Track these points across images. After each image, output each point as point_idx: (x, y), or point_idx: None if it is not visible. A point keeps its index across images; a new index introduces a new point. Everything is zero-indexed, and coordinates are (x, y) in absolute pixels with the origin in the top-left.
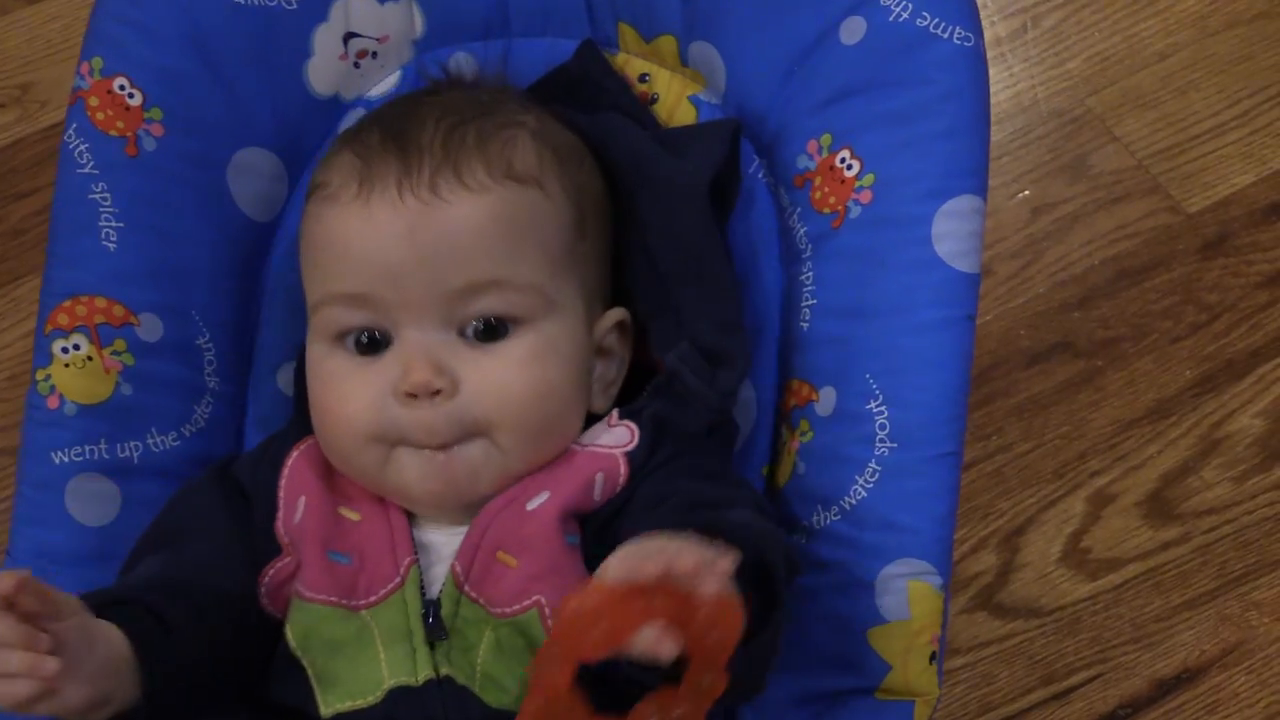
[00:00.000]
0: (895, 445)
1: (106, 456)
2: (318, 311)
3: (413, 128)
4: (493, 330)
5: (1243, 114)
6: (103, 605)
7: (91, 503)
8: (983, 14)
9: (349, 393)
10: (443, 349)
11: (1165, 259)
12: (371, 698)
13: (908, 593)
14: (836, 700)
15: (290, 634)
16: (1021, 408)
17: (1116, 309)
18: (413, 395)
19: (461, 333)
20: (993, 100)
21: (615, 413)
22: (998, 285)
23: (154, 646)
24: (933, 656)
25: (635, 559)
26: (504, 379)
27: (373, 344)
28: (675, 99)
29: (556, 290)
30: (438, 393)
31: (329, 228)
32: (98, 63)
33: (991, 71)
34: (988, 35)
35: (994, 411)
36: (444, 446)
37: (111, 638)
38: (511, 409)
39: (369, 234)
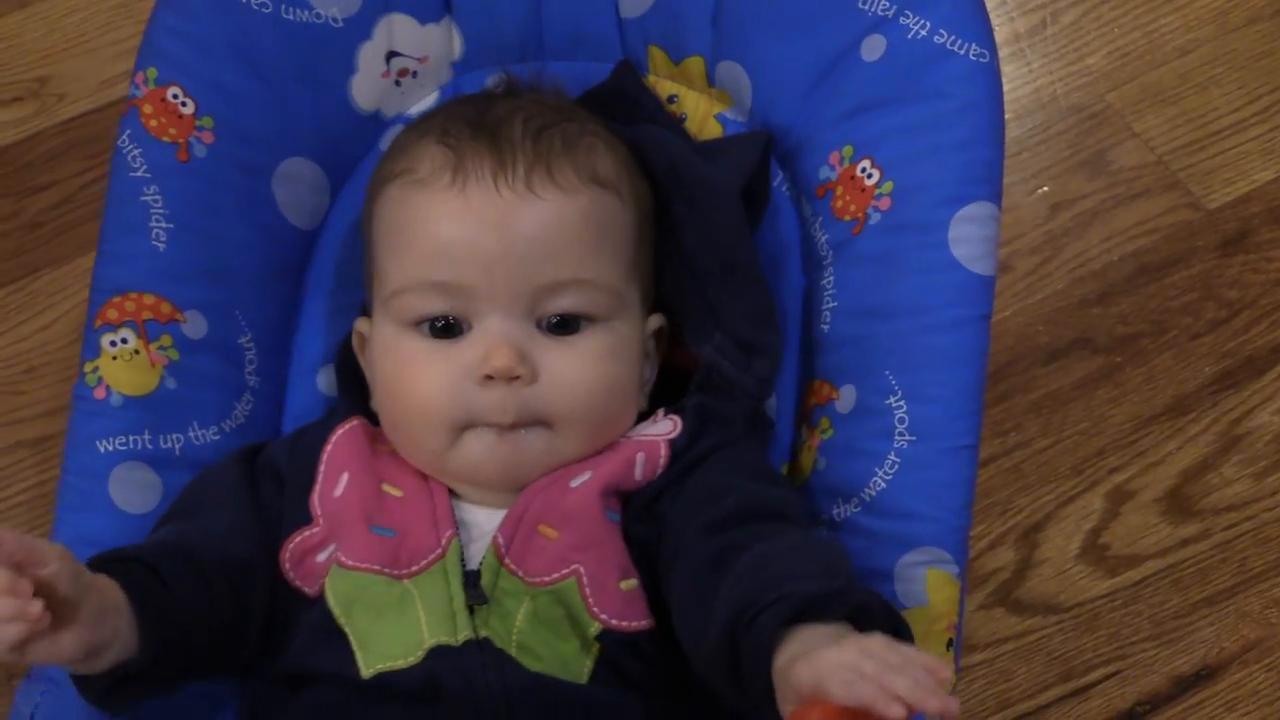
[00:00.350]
0: (914, 438)
1: (150, 447)
2: (399, 297)
3: (501, 125)
4: (568, 325)
5: (1263, 110)
6: (102, 561)
7: (134, 491)
8: (1002, 10)
9: (426, 374)
10: (524, 338)
11: (1185, 255)
12: (412, 658)
13: (926, 580)
14: None
15: (332, 599)
16: (1040, 404)
17: (1136, 305)
18: (490, 378)
19: (539, 324)
20: (1012, 96)
21: (661, 411)
22: (1016, 281)
23: (151, 600)
24: (950, 643)
25: (849, 674)
26: (579, 374)
27: (448, 329)
28: (703, 117)
29: (627, 292)
30: (516, 378)
31: (417, 212)
32: (152, 73)
33: (1010, 67)
34: (1007, 31)
35: (1012, 408)
36: (512, 428)
37: (105, 586)
38: (581, 404)
39: (463, 221)
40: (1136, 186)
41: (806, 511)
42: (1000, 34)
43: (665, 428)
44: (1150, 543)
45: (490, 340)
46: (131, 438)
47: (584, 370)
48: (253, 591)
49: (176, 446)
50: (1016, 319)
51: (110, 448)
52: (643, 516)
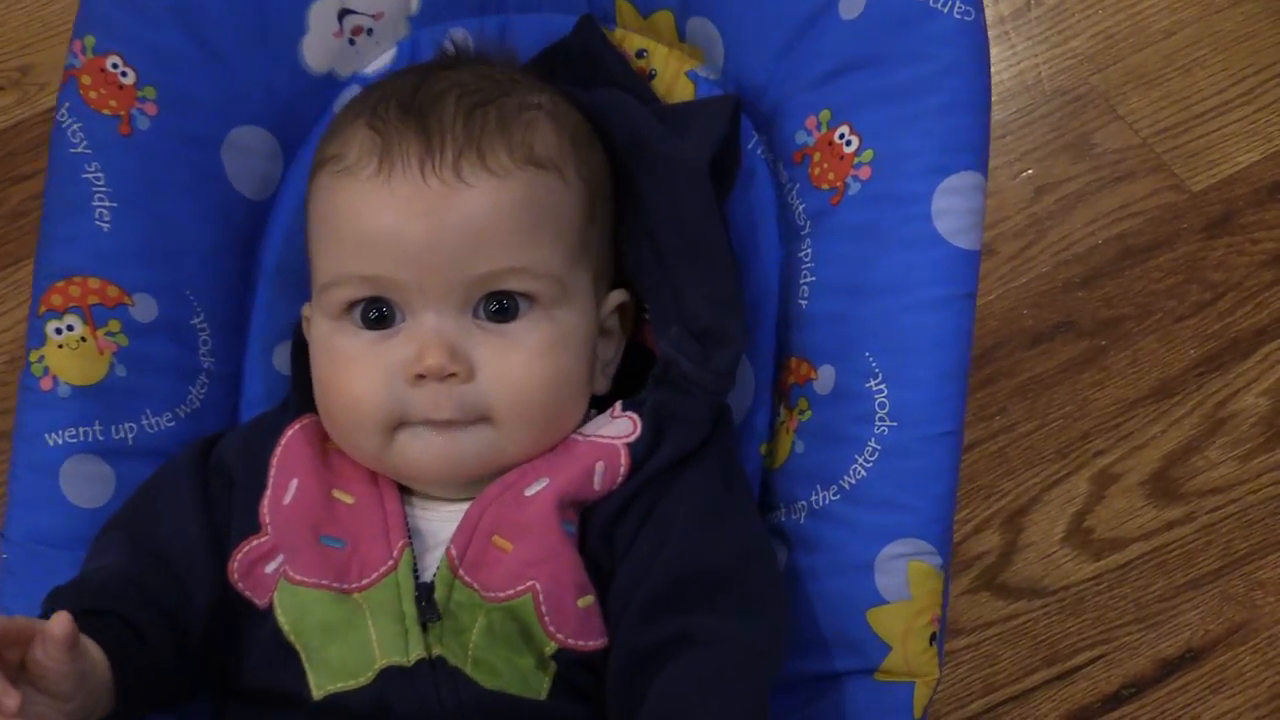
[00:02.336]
0: (895, 424)
1: (101, 438)
2: (328, 291)
3: (432, 104)
4: (505, 310)
5: (1248, 92)
6: (84, 615)
7: (86, 484)
8: None
9: (358, 373)
10: (458, 333)
11: (1169, 238)
12: (363, 678)
13: (908, 573)
14: (835, 682)
15: (281, 617)
16: (1025, 387)
17: (1120, 288)
18: (422, 377)
19: (475, 313)
20: (996, 79)
21: (618, 405)
22: (1001, 265)
23: (129, 658)
24: (933, 638)
25: None
26: (519, 369)
27: (381, 319)
28: (673, 75)
29: (571, 277)
30: (451, 376)
31: (345, 203)
32: (90, 41)
33: (994, 50)
34: (991, 14)
35: (997, 391)
36: (448, 425)
37: (97, 671)
38: (523, 399)
39: (389, 213)
40: (1121, 169)
41: (784, 496)
42: (985, 15)
43: (624, 428)
44: (1135, 526)
45: (423, 337)
46: (81, 429)
47: (525, 365)
48: (218, 612)
49: (129, 436)
50: (1001, 302)
51: (60, 440)
52: (600, 537)
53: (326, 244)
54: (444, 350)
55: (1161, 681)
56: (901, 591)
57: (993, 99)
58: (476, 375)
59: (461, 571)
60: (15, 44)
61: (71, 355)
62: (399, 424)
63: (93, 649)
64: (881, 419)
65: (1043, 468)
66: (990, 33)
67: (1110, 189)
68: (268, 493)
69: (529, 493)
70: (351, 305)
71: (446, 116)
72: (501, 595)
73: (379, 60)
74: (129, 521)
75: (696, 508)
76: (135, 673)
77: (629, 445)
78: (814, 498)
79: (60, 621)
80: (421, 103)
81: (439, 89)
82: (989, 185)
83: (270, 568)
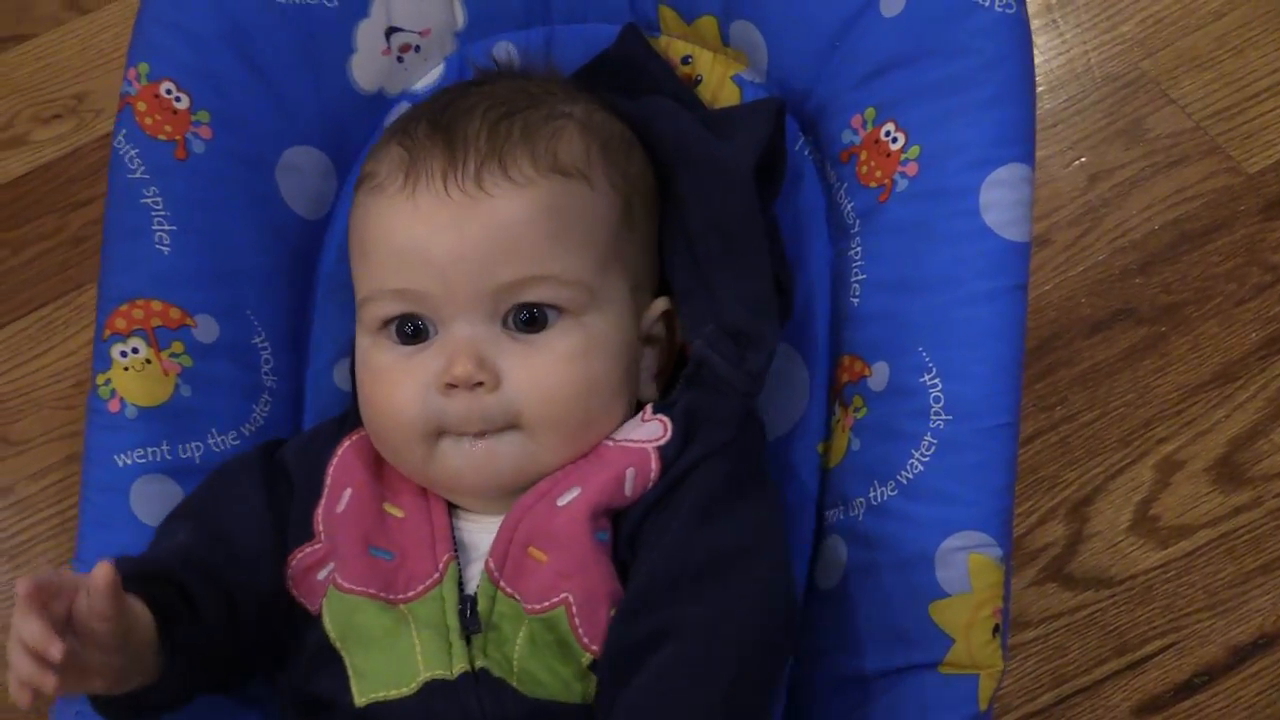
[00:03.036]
0: (950, 418)
1: (169, 457)
2: (365, 306)
3: (459, 119)
4: (535, 320)
5: None
6: (137, 578)
7: (156, 503)
8: None
9: (394, 385)
10: (486, 342)
11: (1227, 221)
12: (406, 689)
13: (968, 565)
14: (899, 676)
15: (328, 623)
16: (1085, 376)
17: (1179, 273)
18: (453, 386)
19: (505, 323)
20: (1045, 67)
21: (649, 407)
22: (1056, 254)
23: (178, 624)
24: (996, 629)
25: None
26: (547, 376)
27: (416, 333)
28: (719, 80)
29: (601, 284)
30: (479, 385)
31: (375, 219)
32: (144, 68)
33: (1043, 38)
34: (1038, 2)
35: (1057, 381)
36: (480, 434)
37: (141, 628)
38: (553, 405)
39: (415, 227)
40: (1175, 153)
41: (842, 494)
42: (1032, 5)
43: (654, 431)
44: (1201, 512)
45: (452, 347)
46: (150, 449)
47: (552, 372)
48: (275, 607)
49: (196, 455)
50: (1058, 292)
51: (128, 461)
52: (628, 543)
53: (362, 260)
54: (471, 358)
55: (1234, 668)
56: (962, 584)
57: (1043, 87)
58: (504, 383)
59: (502, 583)
60: (70, 72)
61: (137, 377)
62: (440, 433)
63: (138, 607)
64: (937, 413)
65: (1106, 457)
66: (1038, 21)
67: (1165, 174)
68: (322, 501)
69: (561, 502)
70: (387, 322)
71: (472, 130)
72: (538, 607)
73: (427, 77)
74: (194, 509)
75: (694, 503)
76: (183, 639)
77: (659, 449)
78: (872, 494)
79: (102, 569)
80: (450, 118)
81: (469, 104)
82: (1041, 175)
83: (322, 575)
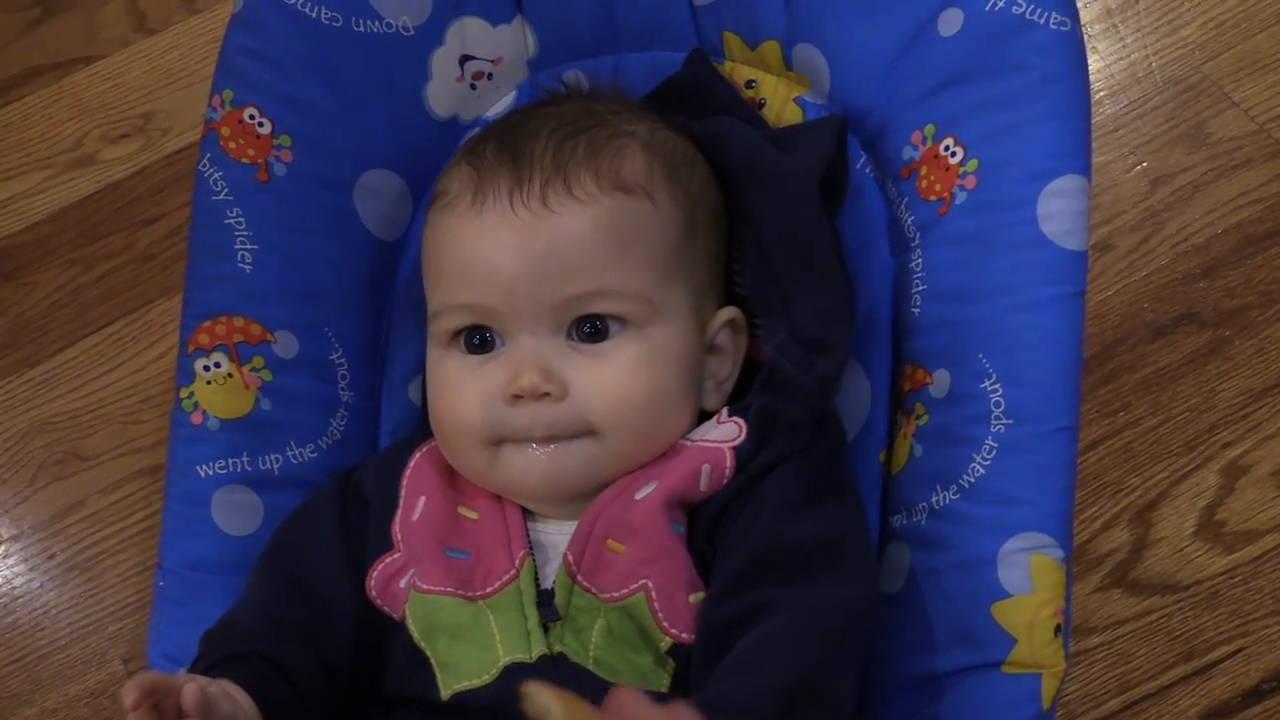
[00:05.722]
0: (1011, 422)
1: (249, 469)
2: (436, 319)
3: (526, 139)
4: (597, 331)
5: None
6: (228, 661)
7: (236, 513)
8: None
9: (459, 392)
10: (552, 354)
11: None
12: (487, 676)
13: (1030, 566)
14: (963, 676)
15: (412, 625)
16: (1148, 382)
17: (1242, 277)
18: (519, 396)
19: (569, 335)
20: (1106, 72)
21: (725, 410)
22: (1119, 260)
23: (274, 696)
24: (1058, 629)
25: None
26: (614, 383)
27: (484, 344)
28: (781, 102)
29: (663, 296)
30: (545, 395)
31: (445, 236)
32: (228, 95)
33: (1104, 43)
34: (1098, 7)
35: (1120, 387)
36: (547, 440)
37: (245, 714)
38: (621, 411)
39: (482, 244)
40: (1238, 157)
41: (905, 500)
42: (1092, 10)
43: (730, 432)
44: (1268, 517)
45: (518, 359)
46: (230, 460)
47: (616, 379)
48: (361, 636)
49: (275, 467)
50: (1120, 297)
51: (210, 472)
52: (705, 536)
53: (433, 276)
54: (537, 371)
55: None
56: (1024, 584)
57: (1104, 92)
58: (570, 393)
59: (580, 576)
60: (138, 92)
61: (219, 391)
62: (500, 440)
63: (237, 694)
64: (997, 418)
65: (1170, 462)
66: (1098, 26)
67: (1228, 177)
68: (398, 512)
69: (639, 496)
70: (457, 333)
71: (538, 149)
72: (616, 595)
73: (500, 103)
74: (276, 557)
75: (781, 497)
76: (282, 708)
77: (734, 448)
78: (934, 499)
79: (189, 694)
80: (517, 138)
81: (535, 124)
82: (1103, 180)
83: (403, 582)
